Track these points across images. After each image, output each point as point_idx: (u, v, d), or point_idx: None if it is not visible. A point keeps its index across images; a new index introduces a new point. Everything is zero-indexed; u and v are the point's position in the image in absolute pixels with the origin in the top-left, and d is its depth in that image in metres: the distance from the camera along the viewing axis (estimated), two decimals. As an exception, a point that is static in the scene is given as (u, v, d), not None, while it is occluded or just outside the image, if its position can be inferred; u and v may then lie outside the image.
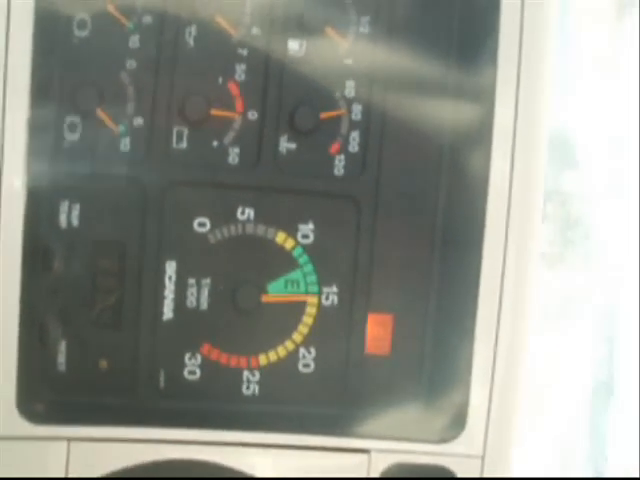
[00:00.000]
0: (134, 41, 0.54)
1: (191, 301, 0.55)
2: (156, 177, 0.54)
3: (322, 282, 0.56)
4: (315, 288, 0.56)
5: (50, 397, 0.54)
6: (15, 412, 0.53)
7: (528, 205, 0.55)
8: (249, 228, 0.55)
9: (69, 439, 0.54)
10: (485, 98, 0.55)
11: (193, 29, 0.54)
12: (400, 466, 0.56)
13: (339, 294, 0.56)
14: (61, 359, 0.54)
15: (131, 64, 0.54)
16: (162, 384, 0.55)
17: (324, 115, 0.55)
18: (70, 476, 0.54)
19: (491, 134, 0.55)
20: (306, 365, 0.56)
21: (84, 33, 0.53)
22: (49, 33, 0.53)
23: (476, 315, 0.56)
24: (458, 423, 0.56)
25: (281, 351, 0.56)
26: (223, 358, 0.56)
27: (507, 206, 0.55)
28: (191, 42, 0.54)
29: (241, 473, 0.55)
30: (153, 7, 0.54)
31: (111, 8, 0.53)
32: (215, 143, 0.55)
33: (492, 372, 0.56)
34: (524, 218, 0.55)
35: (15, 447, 0.53)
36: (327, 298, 0.56)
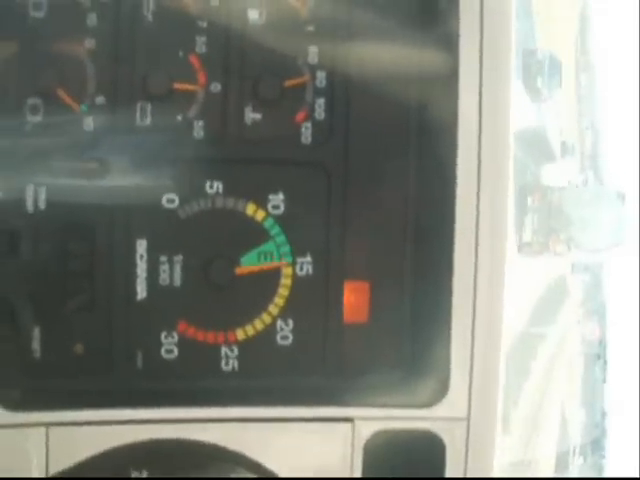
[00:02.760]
0: (92, 19, 0.50)
1: (164, 279, 0.51)
2: (121, 155, 0.50)
3: (295, 252, 0.52)
4: (289, 258, 0.52)
5: (26, 383, 0.50)
6: None
7: (498, 157, 0.51)
8: (218, 201, 0.51)
9: (48, 424, 0.50)
10: (449, 53, 0.51)
11: (151, 3, 0.50)
12: (385, 432, 0.52)
13: (313, 263, 0.52)
14: (35, 345, 0.50)
15: (90, 42, 0.50)
16: (140, 364, 0.51)
17: (288, 83, 0.51)
18: (51, 460, 0.49)
19: (457, 89, 0.51)
20: (284, 337, 0.52)
21: (40, 14, 0.49)
22: (4, 16, 0.49)
23: (453, 278, 0.51)
24: (441, 386, 0.52)
25: (258, 324, 0.52)
26: (200, 335, 0.52)
27: (477, 163, 0.51)
28: (149, 17, 0.50)
29: (225, 449, 0.51)
30: None
31: None
32: (179, 117, 0.51)
33: (472, 334, 0.52)
34: (495, 173, 0.51)
35: None
36: (301, 268, 0.52)
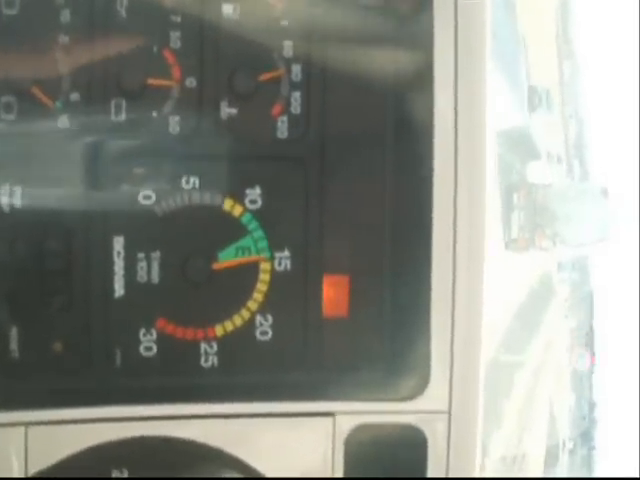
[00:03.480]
0: (65, 15, 0.48)
1: (141, 276, 0.50)
2: (96, 152, 0.49)
3: (273, 247, 0.51)
4: (267, 253, 0.51)
5: (4, 383, 0.49)
6: None
7: (475, 147, 0.50)
8: (195, 197, 0.50)
9: (27, 424, 0.48)
10: (424, 45, 0.50)
11: None
12: (366, 426, 0.51)
13: (292, 258, 0.51)
14: (13, 345, 0.49)
15: (63, 39, 0.48)
16: (119, 362, 0.50)
17: (263, 77, 0.50)
18: (30, 460, 0.48)
19: (432, 79, 0.50)
20: (264, 332, 0.51)
21: (13, 11, 0.48)
22: None
23: (431, 271, 0.50)
24: (421, 380, 0.51)
25: (237, 320, 0.51)
26: (179, 332, 0.50)
27: (454, 156, 0.50)
28: (123, 12, 0.49)
29: (205, 445, 0.50)
30: None
31: None
32: (154, 113, 0.49)
33: (452, 327, 0.50)
34: (473, 162, 0.50)
35: None
36: (280, 263, 0.51)
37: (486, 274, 0.51)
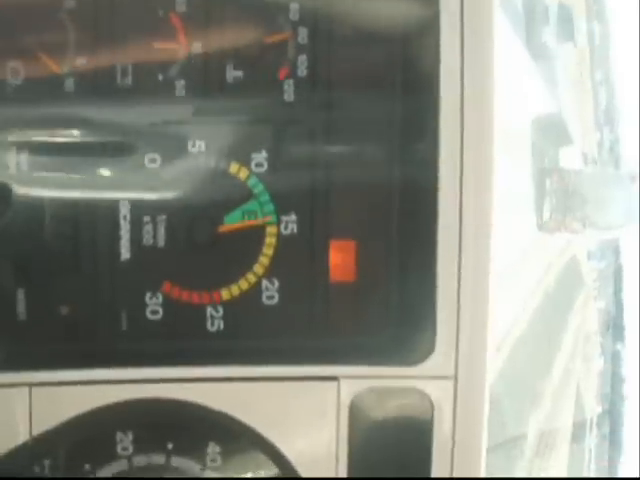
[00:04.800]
0: None
1: (147, 239, 0.48)
2: (103, 115, 0.47)
3: (280, 211, 0.49)
4: (273, 217, 0.49)
5: (10, 345, 0.47)
6: None
7: (483, 110, 0.48)
8: (201, 160, 0.48)
9: (31, 384, 0.47)
10: (429, 3, 0.48)
11: None
12: (371, 391, 0.49)
13: (298, 222, 0.49)
14: (20, 307, 0.47)
15: (69, 3, 0.47)
16: (124, 325, 0.48)
17: (269, 40, 0.48)
18: (34, 420, 0.47)
19: (439, 35, 0.47)
20: (270, 297, 0.49)
21: None
22: None
23: (437, 234, 0.48)
24: (427, 344, 0.49)
25: (243, 284, 0.49)
26: (185, 295, 0.49)
27: (461, 116, 0.47)
28: None
29: (210, 409, 0.48)
30: None
31: None
32: (160, 77, 0.48)
33: (458, 291, 0.48)
34: (481, 120, 0.48)
35: None
36: (286, 227, 0.49)
37: (492, 241, 0.48)
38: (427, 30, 0.47)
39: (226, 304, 0.49)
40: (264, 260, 0.49)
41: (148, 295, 0.48)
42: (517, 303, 1.17)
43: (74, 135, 0.47)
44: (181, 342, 0.49)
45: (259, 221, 0.48)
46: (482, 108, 0.48)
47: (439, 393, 0.49)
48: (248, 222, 0.48)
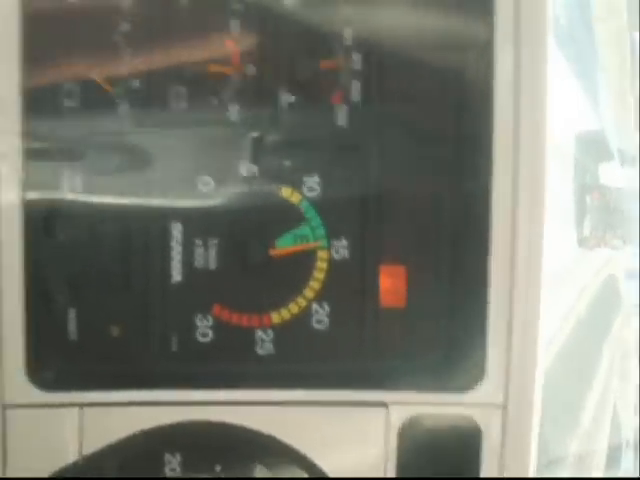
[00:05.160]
0: (127, 2, 0.47)
1: (199, 262, 0.48)
2: (156, 138, 0.47)
3: (331, 235, 0.48)
4: (324, 241, 0.49)
5: (60, 364, 0.47)
6: (25, 380, 0.46)
7: (538, 146, 0.47)
8: (254, 184, 0.48)
9: (81, 405, 0.47)
10: (484, 42, 0.47)
11: None
12: (420, 417, 0.48)
13: (349, 247, 0.49)
14: (71, 327, 0.48)
15: (124, 26, 0.47)
16: (174, 347, 0.48)
17: (323, 65, 0.48)
18: (85, 440, 0.47)
19: (493, 64, 0.47)
20: (320, 321, 0.49)
21: None
22: (41, 1, 0.46)
23: (490, 260, 0.48)
24: (477, 371, 0.48)
25: (293, 308, 0.49)
26: (235, 318, 0.48)
27: (515, 143, 0.47)
28: (184, 0, 0.47)
29: (258, 432, 0.48)
30: None
31: None
32: (214, 100, 0.48)
33: (510, 318, 0.48)
34: (534, 159, 0.47)
35: (27, 415, 0.47)
36: (337, 251, 0.49)
37: (545, 266, 0.48)
38: (481, 54, 0.47)
39: (276, 327, 0.49)
40: (315, 284, 0.49)
41: (198, 317, 0.48)
42: (555, 320, 1.16)
43: (127, 156, 0.47)
44: (230, 365, 0.49)
45: (310, 245, 0.48)
46: (536, 136, 0.48)
47: (488, 421, 0.48)
48: (299, 246, 0.48)
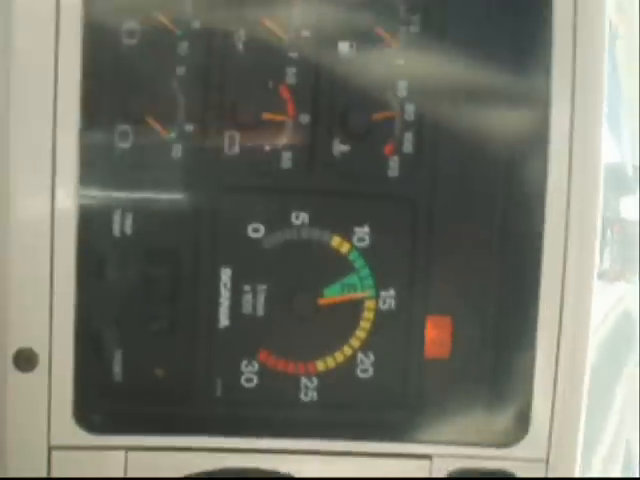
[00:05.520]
0: (183, 47, 0.47)
1: (247, 308, 0.48)
2: (209, 183, 0.47)
3: (379, 285, 0.48)
4: (372, 292, 0.48)
5: (107, 407, 0.48)
6: (72, 422, 0.46)
7: (587, 208, 0.47)
8: (304, 233, 0.48)
9: (127, 448, 0.47)
10: (540, 101, 0.47)
11: (242, 34, 0.47)
12: (463, 471, 0.48)
13: (397, 297, 0.49)
14: (117, 369, 0.48)
15: (180, 70, 0.47)
16: (219, 392, 0.48)
17: (376, 116, 0.48)
18: None
19: (548, 131, 0.47)
20: (364, 370, 0.49)
21: (133, 41, 0.47)
22: (98, 42, 0.46)
23: (537, 316, 0.48)
24: (521, 426, 0.48)
25: (339, 357, 0.49)
26: (280, 364, 0.48)
27: (566, 211, 0.47)
28: (240, 47, 0.47)
29: None
30: (201, 13, 0.47)
31: (160, 16, 0.47)
32: (267, 147, 0.48)
33: (555, 374, 0.48)
34: (584, 222, 0.48)
35: (73, 457, 0.47)
36: (384, 302, 0.49)
37: (592, 322, 0.48)
38: (536, 111, 0.47)
39: (321, 375, 0.49)
40: (361, 334, 0.49)
41: (244, 363, 0.48)
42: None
43: (178, 200, 0.47)
44: (274, 411, 0.49)
45: (358, 295, 0.48)
46: (588, 192, 0.48)
47: (530, 475, 0.48)
48: (347, 296, 0.48)
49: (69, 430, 0.46)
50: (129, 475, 0.47)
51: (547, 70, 0.47)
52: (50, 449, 0.46)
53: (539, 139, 0.47)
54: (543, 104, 0.47)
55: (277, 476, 0.48)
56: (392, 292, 0.48)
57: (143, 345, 0.48)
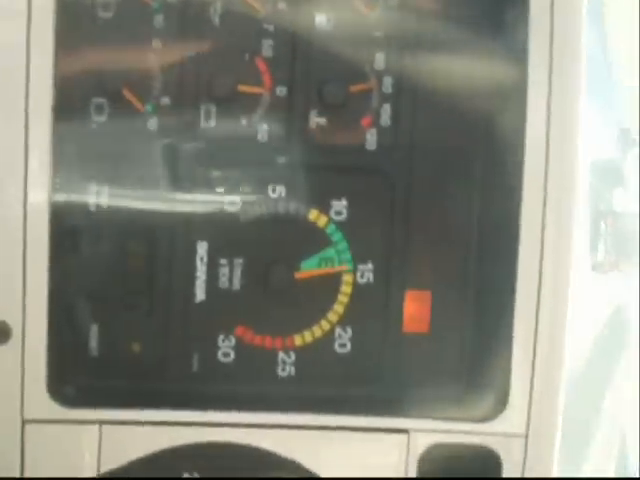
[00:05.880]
0: (159, 20, 0.46)
1: (223, 282, 0.48)
2: (184, 156, 0.47)
3: (357, 259, 0.48)
4: (350, 265, 0.48)
5: (82, 380, 0.47)
6: (46, 395, 0.46)
7: (567, 173, 0.47)
8: (281, 206, 0.47)
9: (101, 422, 0.46)
10: (518, 65, 0.47)
11: (218, 6, 0.47)
12: (440, 446, 0.48)
13: (374, 271, 0.48)
14: (93, 343, 0.47)
15: (156, 43, 0.47)
16: (195, 367, 0.48)
17: (353, 88, 0.47)
18: (103, 458, 0.46)
19: (525, 100, 0.47)
20: (342, 345, 0.48)
21: (109, 14, 0.46)
22: (72, 15, 0.46)
23: (515, 289, 0.47)
24: (499, 401, 0.48)
25: (317, 331, 0.48)
26: (257, 339, 0.48)
27: (544, 173, 0.47)
28: (216, 19, 0.47)
29: (277, 455, 0.47)
30: None
31: None
32: (244, 120, 0.47)
33: (534, 348, 0.47)
34: (563, 187, 0.47)
35: (47, 430, 0.46)
36: (362, 276, 0.48)
37: (571, 295, 0.48)
38: (513, 93, 0.47)
39: (298, 350, 0.48)
40: (338, 308, 0.48)
41: (221, 338, 0.48)
42: (570, 343, 1.15)
43: (154, 174, 0.47)
44: (251, 386, 0.48)
45: (336, 269, 0.48)
46: (566, 165, 0.47)
47: (509, 450, 0.48)
48: (325, 269, 0.48)
49: (43, 404, 0.46)
50: (103, 449, 0.46)
51: (525, 38, 0.47)
52: (24, 422, 0.46)
53: (517, 109, 0.47)
54: (521, 72, 0.47)
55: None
56: (370, 266, 0.48)
57: (119, 319, 0.47)
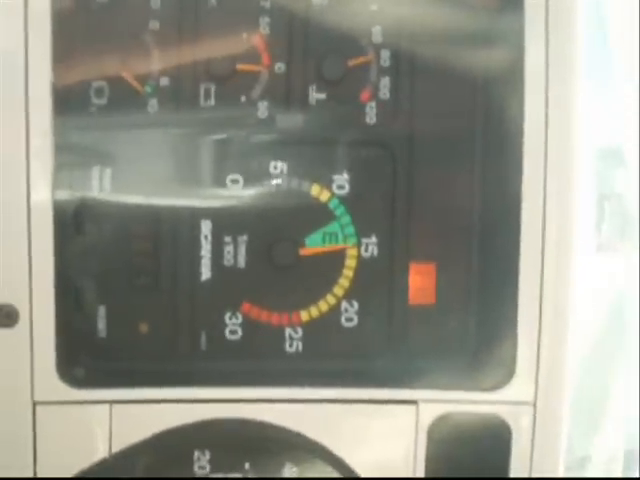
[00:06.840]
0: (156, 1, 0.46)
1: (228, 259, 0.48)
2: (186, 136, 0.47)
3: (360, 233, 0.48)
4: (354, 239, 0.48)
5: (90, 361, 0.47)
6: (55, 377, 0.46)
7: (566, 140, 0.47)
8: (283, 182, 0.47)
9: (111, 402, 0.46)
10: (515, 37, 0.47)
11: None
12: (449, 415, 0.48)
13: (379, 244, 0.48)
14: (101, 324, 0.47)
15: (154, 24, 0.46)
16: (203, 345, 0.48)
17: (352, 62, 0.47)
18: (114, 437, 0.46)
19: (523, 71, 0.46)
20: (349, 319, 0.48)
21: None
22: (68, 0, 0.46)
23: (520, 258, 0.47)
24: (507, 369, 0.48)
25: (323, 306, 0.48)
26: (264, 316, 0.48)
27: (544, 143, 0.47)
28: None
29: (287, 430, 0.47)
30: None
31: None
32: (243, 98, 0.47)
33: (539, 317, 0.47)
34: (562, 154, 0.47)
35: (58, 411, 0.46)
36: (366, 249, 0.48)
37: (575, 264, 0.47)
38: (511, 66, 0.47)
39: (305, 325, 0.48)
40: (344, 282, 0.48)
41: (227, 315, 0.48)
42: (578, 322, 1.15)
43: (156, 155, 0.47)
44: (259, 362, 0.48)
45: (340, 245, 0.48)
46: (565, 133, 0.47)
47: (517, 419, 0.48)
48: (329, 244, 0.48)
49: (53, 385, 0.46)
50: (114, 428, 0.46)
51: (521, 8, 0.46)
52: (35, 404, 0.46)
53: (515, 79, 0.47)
54: (518, 43, 0.46)
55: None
56: (374, 239, 0.48)
57: (126, 300, 0.47)
